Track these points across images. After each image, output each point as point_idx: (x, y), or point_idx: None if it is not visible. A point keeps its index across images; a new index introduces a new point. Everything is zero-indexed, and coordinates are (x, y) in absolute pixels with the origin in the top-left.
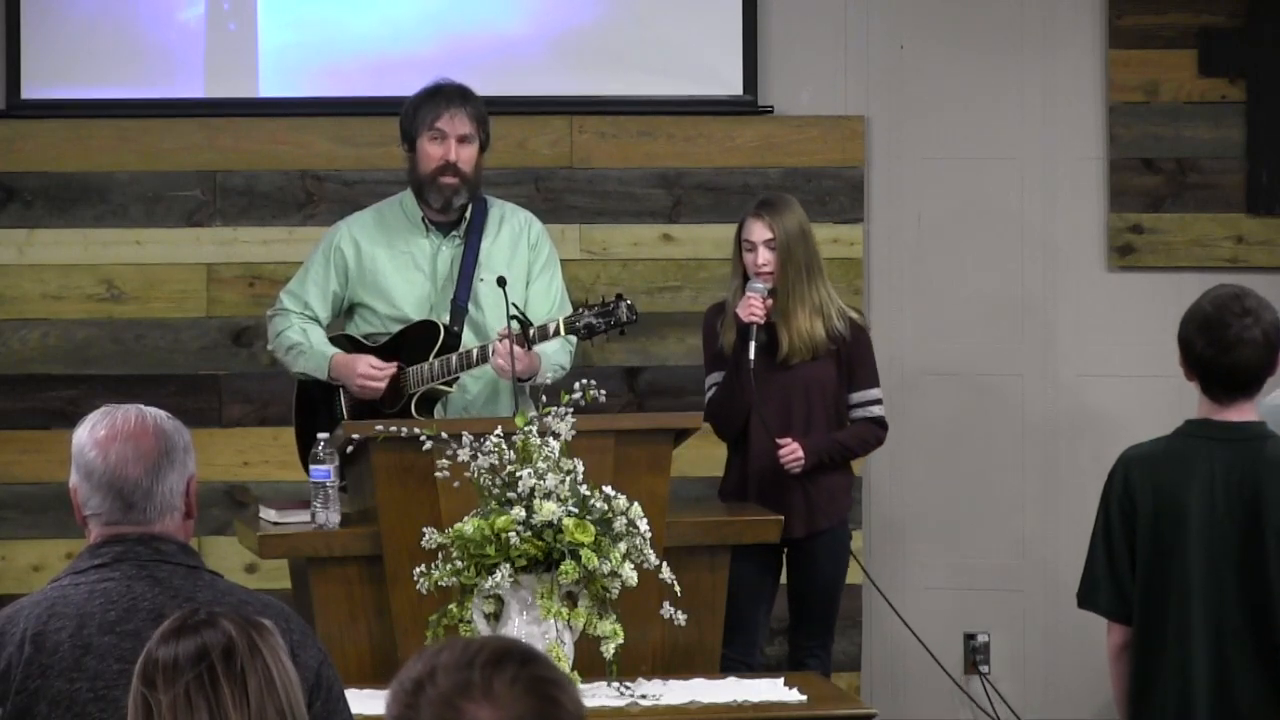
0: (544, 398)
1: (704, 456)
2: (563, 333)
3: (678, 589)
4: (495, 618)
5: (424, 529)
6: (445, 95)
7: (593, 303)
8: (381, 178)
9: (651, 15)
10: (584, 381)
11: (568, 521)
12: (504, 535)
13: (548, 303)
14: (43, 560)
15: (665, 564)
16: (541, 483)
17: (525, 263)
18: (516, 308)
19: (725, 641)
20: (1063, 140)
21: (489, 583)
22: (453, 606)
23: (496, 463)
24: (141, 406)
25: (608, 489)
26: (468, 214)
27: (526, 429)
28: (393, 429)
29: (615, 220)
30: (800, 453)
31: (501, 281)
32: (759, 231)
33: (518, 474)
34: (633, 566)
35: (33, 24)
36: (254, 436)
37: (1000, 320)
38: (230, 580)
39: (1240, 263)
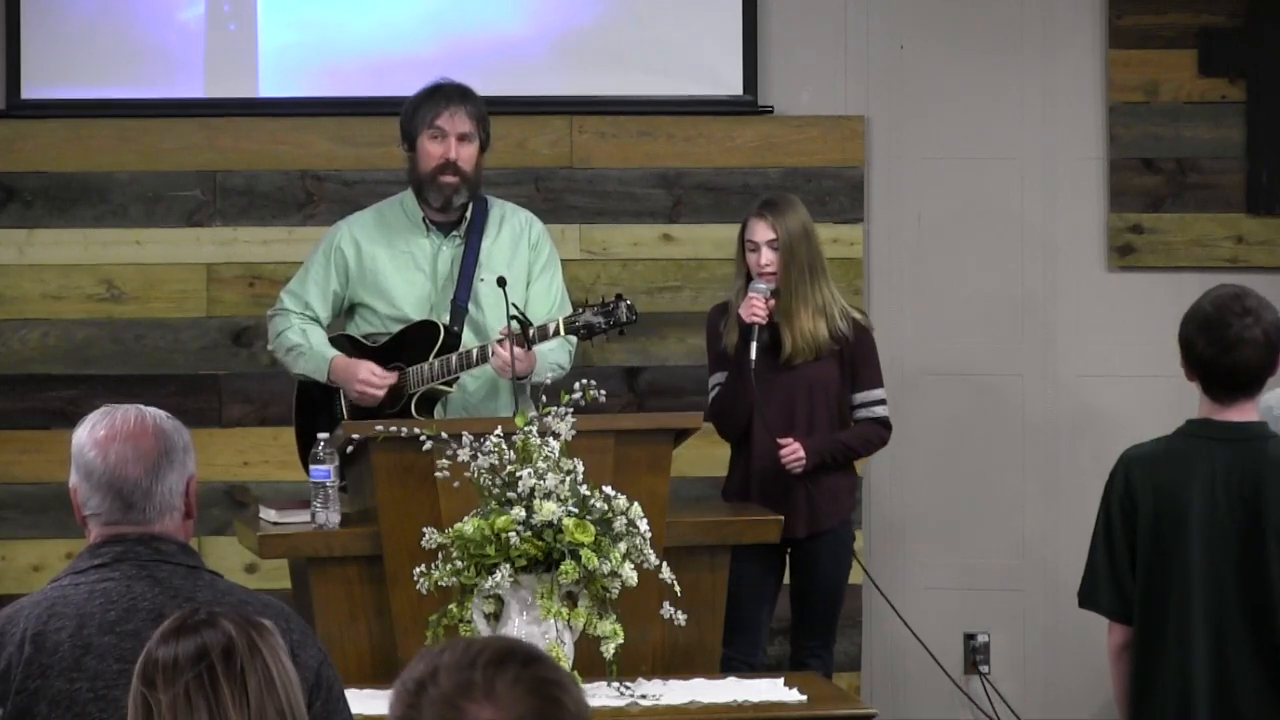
0: (544, 398)
1: (704, 456)
2: (562, 333)
3: (678, 589)
4: (495, 618)
5: (424, 529)
6: (445, 94)
7: (593, 303)
8: (381, 178)
9: (651, 15)
10: (584, 381)
11: (568, 521)
12: (504, 535)
13: (548, 303)
14: (43, 560)
15: (665, 564)
16: (541, 483)
17: (525, 263)
18: (516, 308)
19: (727, 641)
20: (1063, 140)
21: (489, 583)
22: (453, 606)
23: (496, 463)
24: (141, 406)
25: (608, 489)
26: (468, 214)
27: (526, 429)
28: (393, 429)
29: (615, 220)
30: (801, 452)
31: (501, 281)
32: (762, 232)
33: (518, 474)
34: (633, 566)
35: (33, 24)
36: (254, 436)
37: (1000, 320)
38: (230, 580)
39: (1240, 263)
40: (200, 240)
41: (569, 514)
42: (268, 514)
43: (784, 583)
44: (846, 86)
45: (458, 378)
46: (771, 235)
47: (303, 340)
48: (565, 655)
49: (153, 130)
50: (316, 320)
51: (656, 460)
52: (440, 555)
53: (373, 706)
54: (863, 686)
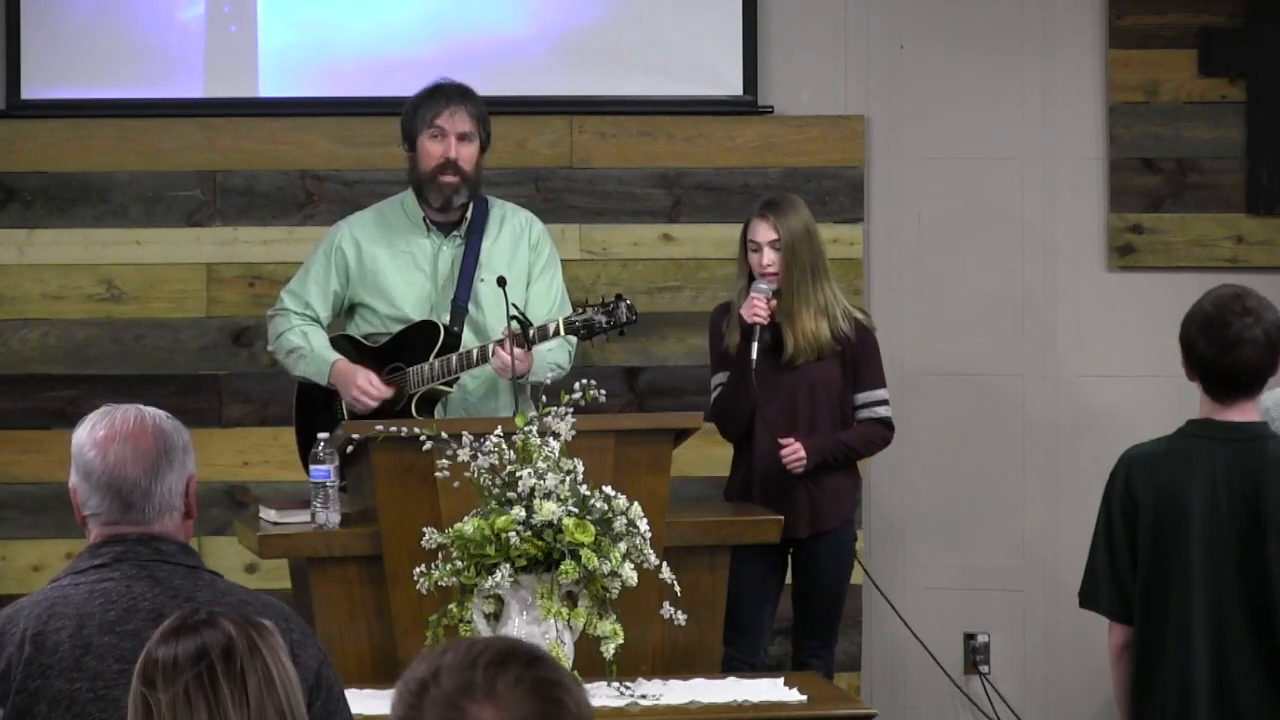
0: (544, 398)
1: (704, 456)
2: (562, 333)
3: (678, 589)
4: (495, 618)
5: (424, 529)
6: (445, 94)
7: (593, 303)
8: (381, 178)
9: (651, 15)
10: (584, 381)
11: (568, 521)
12: (504, 535)
13: (548, 303)
14: (43, 560)
15: (665, 564)
16: (541, 483)
17: (526, 263)
18: (516, 308)
19: (728, 641)
20: (1063, 140)
21: (489, 583)
22: (453, 606)
23: (496, 463)
24: (141, 406)
25: (608, 489)
26: (468, 214)
27: (526, 429)
28: (393, 429)
29: (615, 220)
30: (802, 452)
31: (501, 281)
32: (764, 232)
33: (518, 474)
34: (633, 566)
35: (33, 24)
36: (254, 436)
37: (1000, 320)
38: (230, 580)
39: (1240, 263)
40: (200, 240)
41: (569, 514)
42: (268, 514)
43: (786, 583)
44: (846, 86)
45: (458, 378)
46: (773, 235)
47: (304, 343)
48: (565, 655)
49: (153, 130)
50: (317, 320)
51: (656, 460)
52: (440, 555)
53: (373, 706)
54: (863, 686)
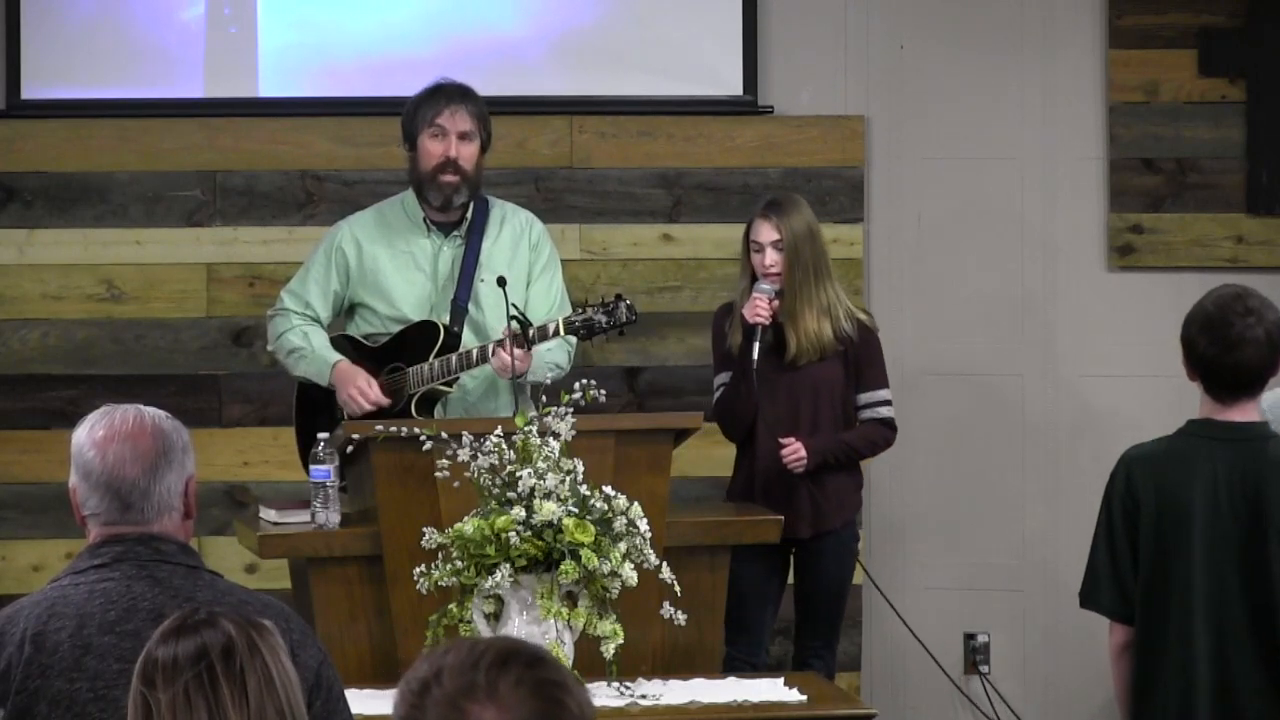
0: (544, 398)
1: (704, 456)
2: (562, 333)
3: (678, 589)
4: (495, 618)
5: (424, 529)
6: (446, 93)
7: (592, 303)
8: (381, 178)
9: (651, 15)
10: (584, 381)
11: (568, 521)
12: (504, 535)
13: (548, 303)
14: (43, 560)
15: (665, 564)
16: (541, 483)
17: (526, 263)
18: (516, 308)
19: (730, 641)
20: (1063, 140)
21: (489, 583)
22: (453, 606)
23: (496, 463)
24: (140, 406)
25: (608, 489)
26: (469, 214)
27: (526, 429)
28: (393, 429)
29: (615, 220)
30: (802, 452)
31: (501, 282)
32: (766, 232)
33: (518, 474)
34: (633, 566)
35: (33, 24)
36: (254, 436)
37: (1000, 320)
38: (230, 580)
39: (1240, 263)
40: (200, 240)
41: (569, 514)
42: (268, 514)
43: (788, 583)
44: (846, 86)
45: (458, 378)
46: (776, 236)
47: (304, 343)
48: (565, 655)
49: (153, 130)
50: (317, 320)
51: (656, 460)
52: (440, 555)
53: (373, 706)
54: (863, 686)
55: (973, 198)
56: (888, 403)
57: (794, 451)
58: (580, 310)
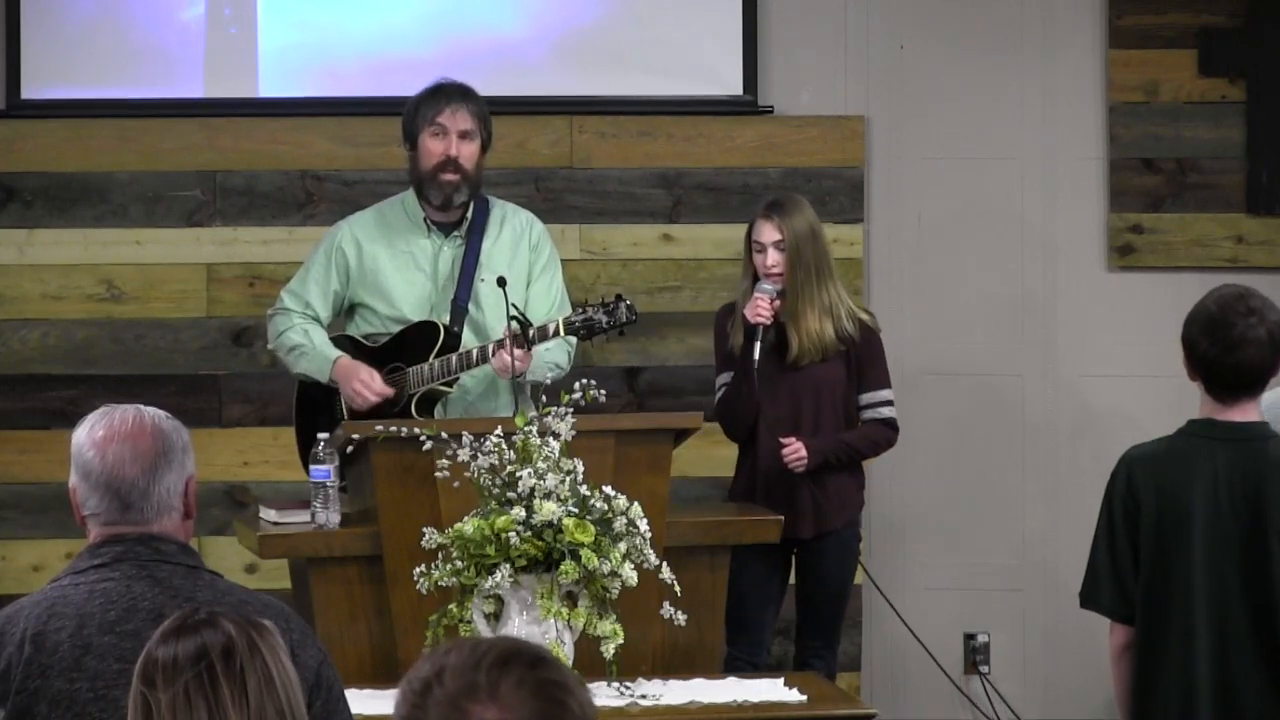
0: (544, 398)
1: (704, 456)
2: (562, 333)
3: (678, 589)
4: (495, 618)
5: (424, 529)
6: (447, 93)
7: (593, 303)
8: (381, 178)
9: (651, 15)
10: (584, 381)
11: (568, 521)
12: (504, 535)
13: (548, 303)
14: (43, 560)
15: (665, 564)
16: (541, 483)
17: (526, 263)
18: (516, 308)
19: (731, 640)
20: (1063, 140)
21: (489, 583)
22: (453, 606)
23: (496, 463)
24: (140, 406)
25: (608, 489)
26: (469, 214)
27: (526, 429)
28: (393, 429)
29: (615, 220)
30: (803, 451)
31: (501, 282)
32: (768, 233)
33: (518, 474)
34: (633, 566)
35: (33, 24)
36: (254, 436)
37: (1000, 320)
38: (230, 580)
39: (1240, 263)
40: (200, 240)
41: (569, 514)
42: (268, 514)
43: (789, 583)
44: (846, 86)
45: (458, 378)
46: (778, 236)
47: (305, 340)
48: (565, 655)
49: (153, 130)
50: (317, 320)
51: (656, 460)
52: (440, 555)
53: (373, 706)
54: (863, 686)
55: (973, 198)
56: (889, 403)
57: (794, 451)
58: (580, 310)
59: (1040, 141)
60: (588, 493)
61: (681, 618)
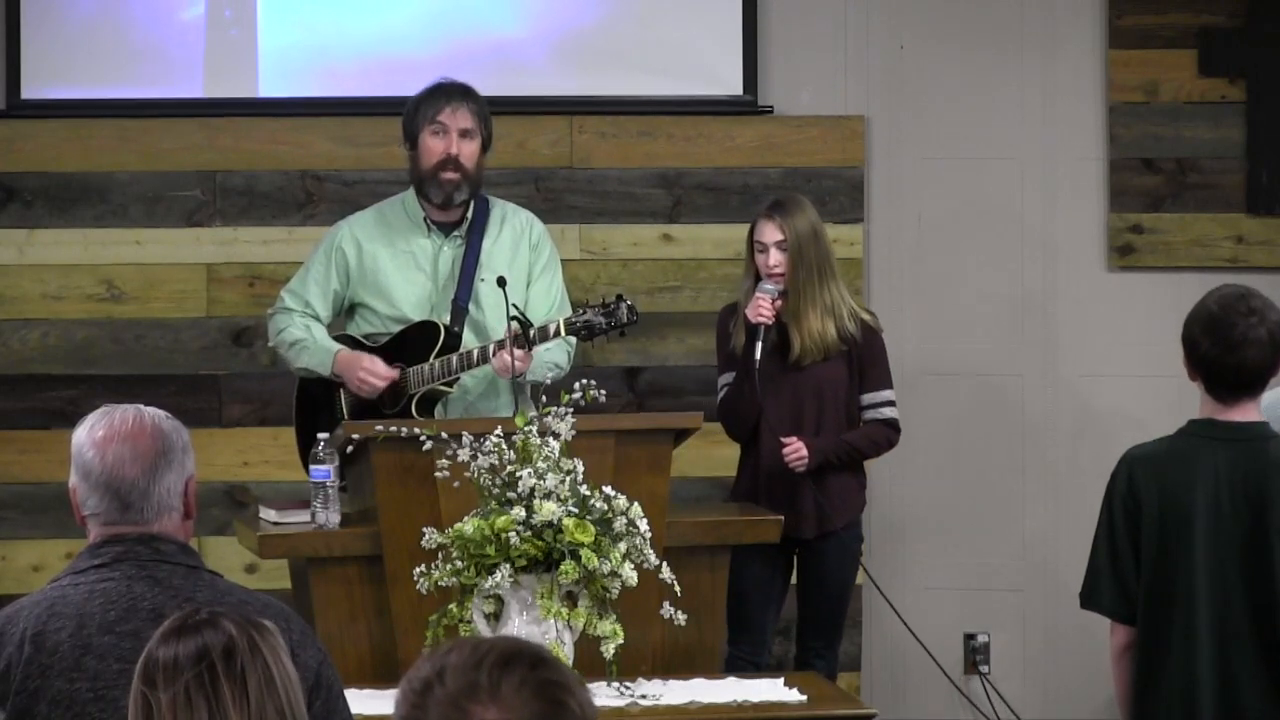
0: (544, 398)
1: (704, 456)
2: (563, 333)
3: (678, 589)
4: (495, 618)
5: (424, 529)
6: (447, 91)
7: (593, 303)
8: (381, 178)
9: (651, 15)
10: (584, 381)
11: (568, 521)
12: (504, 535)
13: (548, 303)
14: (43, 560)
15: (665, 564)
16: (541, 483)
17: (526, 263)
18: (517, 308)
19: (732, 640)
20: (1063, 140)
21: (489, 583)
22: (453, 606)
23: (496, 463)
24: (140, 406)
25: (608, 489)
26: (469, 214)
27: (526, 429)
28: (393, 429)
29: (615, 220)
30: (804, 451)
31: (501, 282)
32: (770, 233)
33: (518, 474)
34: (633, 566)
35: (33, 24)
36: (254, 436)
37: (1000, 320)
38: (230, 580)
39: (1240, 263)
40: (200, 240)
41: (569, 514)
42: (268, 514)
43: (790, 583)
44: (846, 86)
45: (458, 378)
46: (780, 236)
47: (306, 335)
48: (565, 655)
49: (153, 130)
50: (317, 319)
51: (656, 460)
52: (440, 555)
53: (373, 706)
54: (863, 686)
55: (973, 198)
56: (891, 403)
57: (795, 450)
58: (581, 311)
59: (1040, 141)
60: (588, 493)
61: (681, 618)
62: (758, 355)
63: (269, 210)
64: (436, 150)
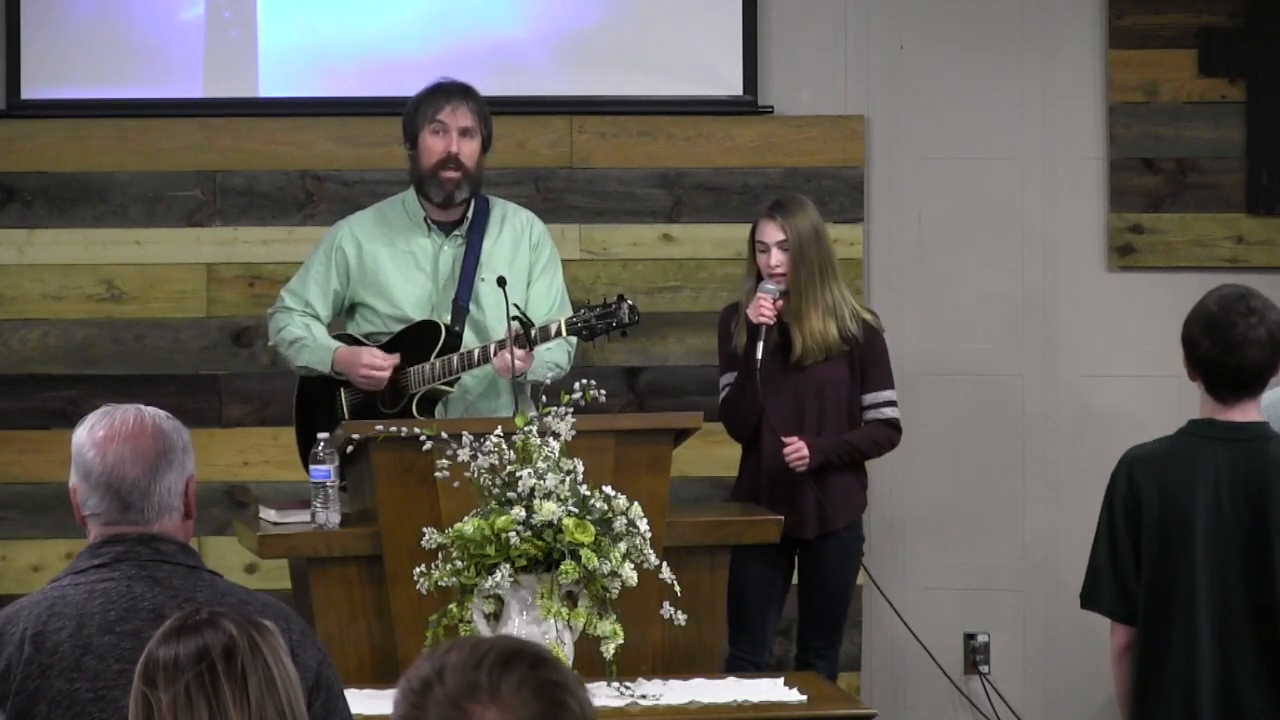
0: (544, 398)
1: (704, 456)
2: (564, 333)
3: (678, 589)
4: (495, 618)
5: (424, 529)
6: (447, 91)
7: (594, 303)
8: (381, 178)
9: (651, 15)
10: (584, 381)
11: (568, 521)
12: (504, 535)
13: (548, 303)
14: (43, 560)
15: (665, 564)
16: (541, 483)
17: (526, 263)
18: (518, 308)
19: (733, 640)
20: (1063, 140)
21: (489, 583)
22: (453, 606)
23: (496, 463)
24: (141, 406)
25: (608, 489)
26: (469, 213)
27: (526, 429)
28: (393, 429)
29: (615, 220)
30: (804, 450)
31: (501, 281)
32: (771, 233)
33: (518, 474)
34: (633, 566)
35: (33, 24)
36: (254, 436)
37: (1000, 320)
38: (230, 580)
39: (1240, 263)
40: (200, 240)
41: (569, 514)
42: (268, 514)
43: (792, 583)
44: (846, 86)
45: (459, 378)
46: (781, 236)
47: (305, 334)
48: (565, 655)
49: (153, 130)
50: (317, 318)
51: (656, 460)
52: (440, 555)
53: (373, 706)
54: (863, 686)
55: (973, 198)
56: (893, 403)
57: (796, 450)
58: (582, 311)
59: (1040, 141)
60: (588, 493)
61: (681, 618)
62: (759, 355)
63: (269, 210)
64: (437, 149)
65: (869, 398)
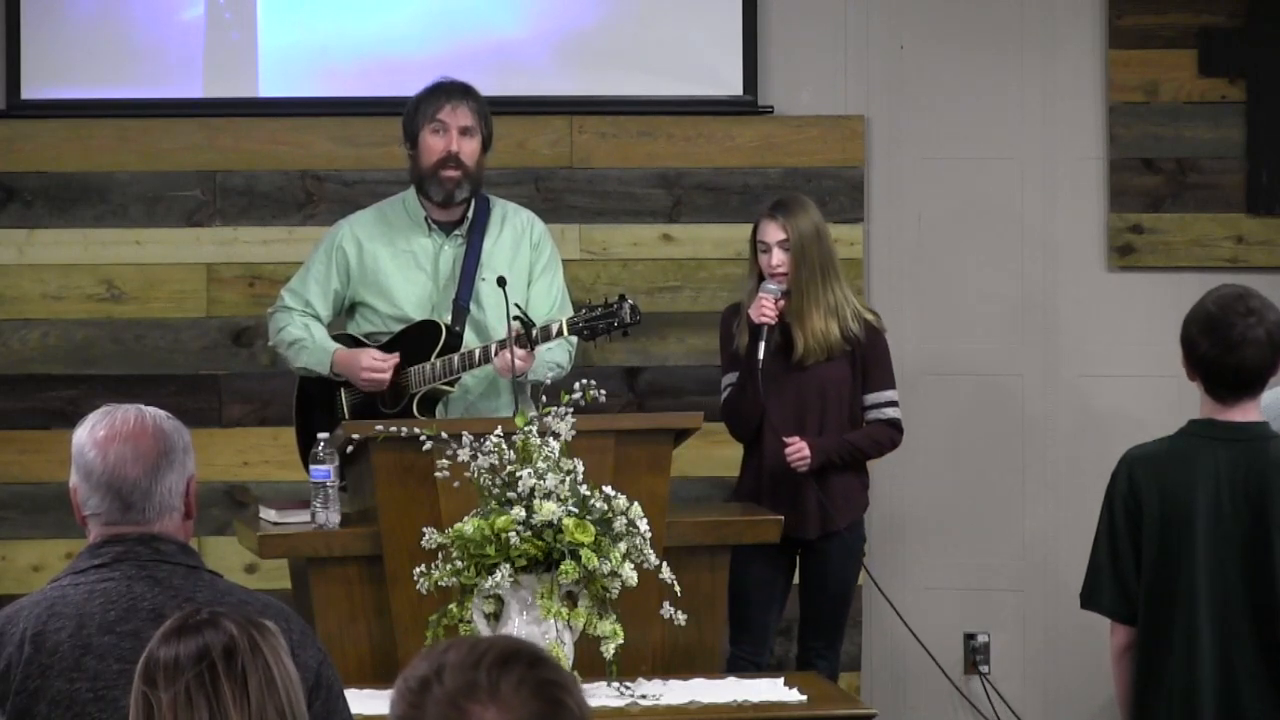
0: (544, 398)
1: (704, 456)
2: (565, 333)
3: (678, 589)
4: (495, 618)
5: (424, 529)
6: (447, 90)
7: (595, 303)
8: (381, 178)
9: (651, 15)
10: (584, 381)
11: (568, 521)
12: (504, 535)
13: (549, 303)
14: (43, 560)
15: (665, 564)
16: (541, 483)
17: (527, 263)
18: (519, 308)
19: (734, 640)
20: (1063, 140)
21: (489, 583)
22: (453, 606)
23: (496, 463)
24: (141, 406)
25: (608, 489)
26: (470, 213)
27: (526, 429)
28: (393, 429)
29: (615, 220)
30: (806, 450)
31: (501, 281)
32: (773, 233)
33: (518, 474)
34: (633, 566)
35: (33, 24)
36: (254, 436)
37: (1000, 320)
38: (230, 580)
39: (1240, 263)
40: (200, 240)
41: (569, 514)
42: (268, 514)
43: (793, 583)
44: (846, 86)
45: (459, 378)
46: (782, 236)
47: (305, 334)
48: (565, 655)
49: (153, 130)
50: (317, 318)
51: (656, 460)
52: (440, 555)
53: (373, 706)
54: (863, 686)
55: (973, 198)
56: (894, 404)
57: (797, 450)
58: (583, 310)
59: (1040, 141)
60: (588, 493)
61: (681, 618)
62: (761, 355)
63: (269, 210)
64: (437, 148)
65: (870, 398)
